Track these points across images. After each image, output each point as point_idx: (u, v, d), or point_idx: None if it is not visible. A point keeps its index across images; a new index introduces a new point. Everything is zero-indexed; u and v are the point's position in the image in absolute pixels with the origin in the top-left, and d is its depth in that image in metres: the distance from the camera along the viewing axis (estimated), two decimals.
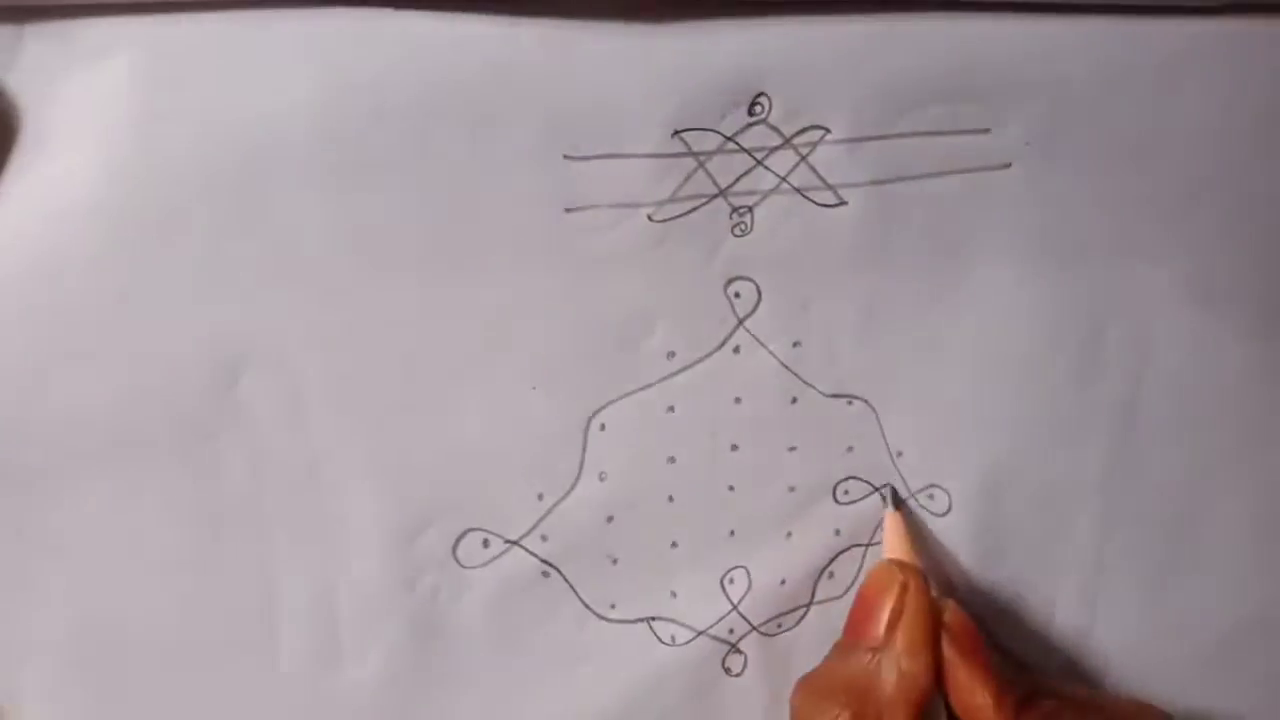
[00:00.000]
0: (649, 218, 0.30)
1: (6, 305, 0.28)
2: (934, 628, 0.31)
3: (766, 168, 0.30)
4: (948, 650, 0.31)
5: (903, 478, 0.34)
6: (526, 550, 0.32)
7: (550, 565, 0.33)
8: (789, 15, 0.29)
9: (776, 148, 0.30)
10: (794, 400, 0.33)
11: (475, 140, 0.29)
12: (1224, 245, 0.33)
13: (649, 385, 0.32)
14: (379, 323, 0.30)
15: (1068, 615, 0.36)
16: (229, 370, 0.30)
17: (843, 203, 0.31)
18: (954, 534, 0.34)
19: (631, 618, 0.33)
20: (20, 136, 0.27)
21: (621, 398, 0.32)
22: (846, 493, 0.34)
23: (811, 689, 0.32)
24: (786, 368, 0.32)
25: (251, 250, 0.29)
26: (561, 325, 0.31)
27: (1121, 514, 0.35)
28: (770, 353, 0.32)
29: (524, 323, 0.31)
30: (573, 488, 0.32)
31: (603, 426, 0.32)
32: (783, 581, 0.34)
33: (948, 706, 0.31)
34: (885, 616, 0.31)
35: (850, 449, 0.33)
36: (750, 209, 0.31)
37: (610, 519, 0.33)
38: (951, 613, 0.31)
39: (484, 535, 0.32)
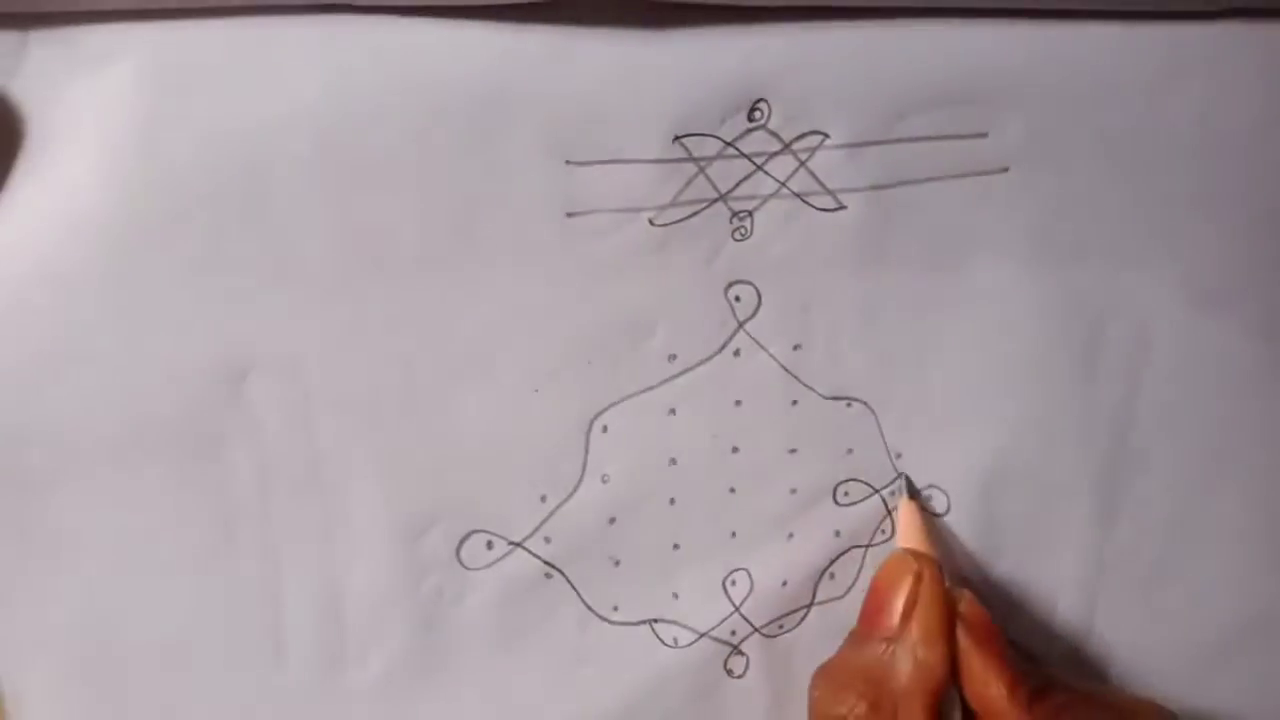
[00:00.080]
0: (650, 222, 0.30)
1: (11, 309, 0.28)
2: (949, 617, 0.31)
3: (766, 173, 0.30)
4: (963, 640, 0.31)
5: (902, 479, 0.34)
6: (529, 552, 0.32)
7: (553, 567, 0.33)
8: (788, 22, 0.29)
9: (776, 153, 0.30)
10: (794, 403, 0.33)
11: (478, 145, 0.29)
12: (1221, 247, 0.33)
13: (650, 388, 0.32)
14: (382, 326, 0.30)
15: (1068, 615, 0.36)
16: (233, 373, 0.30)
17: (842, 207, 0.31)
18: (952, 534, 0.34)
19: (634, 619, 0.34)
20: (25, 142, 0.27)
21: (623, 400, 0.32)
22: (847, 494, 0.34)
23: (829, 680, 0.32)
24: (786, 370, 0.33)
25: (256, 254, 0.29)
26: (563, 328, 0.31)
27: (1121, 514, 0.35)
28: (770, 355, 0.32)
29: (526, 326, 0.31)
30: (575, 490, 0.32)
31: (605, 429, 0.32)
32: (784, 583, 0.34)
33: (962, 698, 0.31)
34: (900, 606, 0.31)
35: (850, 451, 0.34)
36: (750, 213, 0.31)
37: (612, 521, 0.33)
38: (967, 603, 0.31)
39: (487, 537, 0.32)
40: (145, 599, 0.31)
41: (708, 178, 0.30)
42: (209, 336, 0.29)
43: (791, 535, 0.34)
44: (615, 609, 0.33)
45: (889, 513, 0.34)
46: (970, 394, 0.33)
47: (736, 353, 0.32)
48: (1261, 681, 0.37)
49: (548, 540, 0.32)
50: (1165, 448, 0.35)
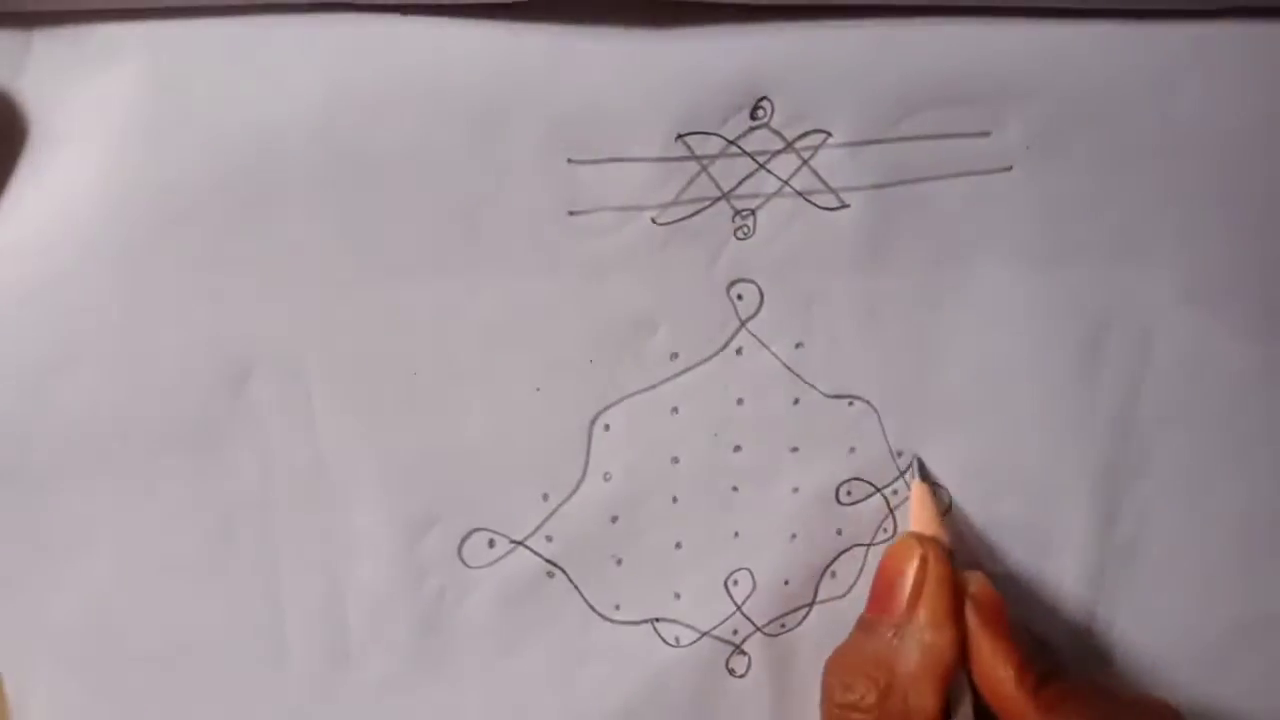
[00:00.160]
0: (652, 220, 0.30)
1: (15, 308, 0.28)
2: (956, 600, 0.31)
3: (769, 171, 0.30)
4: (973, 621, 0.31)
5: (904, 478, 0.34)
6: (531, 551, 0.32)
7: (555, 566, 0.33)
8: (791, 20, 0.29)
9: (779, 151, 0.30)
10: (796, 401, 0.33)
11: (480, 144, 0.29)
12: (1224, 246, 0.33)
13: (653, 386, 0.32)
14: (384, 325, 0.30)
15: (1069, 614, 0.36)
16: (236, 373, 0.30)
17: (844, 205, 0.31)
18: (954, 533, 0.34)
19: (635, 619, 0.34)
20: (29, 140, 0.27)
21: (625, 398, 0.32)
22: (849, 493, 0.34)
23: (840, 665, 0.32)
24: (789, 369, 0.33)
25: (259, 253, 0.29)
26: (566, 327, 0.31)
27: (1122, 513, 0.35)
28: (772, 354, 0.32)
29: (528, 324, 0.31)
30: (577, 488, 0.32)
31: (607, 427, 0.32)
32: (786, 582, 0.34)
33: (970, 681, 0.31)
34: (907, 590, 0.31)
35: (852, 449, 0.34)
36: (753, 212, 0.31)
37: (614, 519, 0.33)
38: (978, 584, 0.31)
39: (489, 535, 0.32)
40: (148, 598, 0.31)
41: (710, 176, 0.30)
42: (212, 336, 0.29)
43: (794, 535, 0.34)
44: (617, 608, 0.33)
45: (891, 511, 0.34)
46: (972, 392, 0.33)
47: (739, 351, 0.32)
48: (1264, 680, 0.37)
49: (549, 539, 0.32)
50: (1166, 447, 0.35)
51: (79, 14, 0.27)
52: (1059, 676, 0.31)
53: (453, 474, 0.31)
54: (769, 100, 0.30)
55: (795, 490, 0.34)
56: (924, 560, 0.31)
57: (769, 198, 0.31)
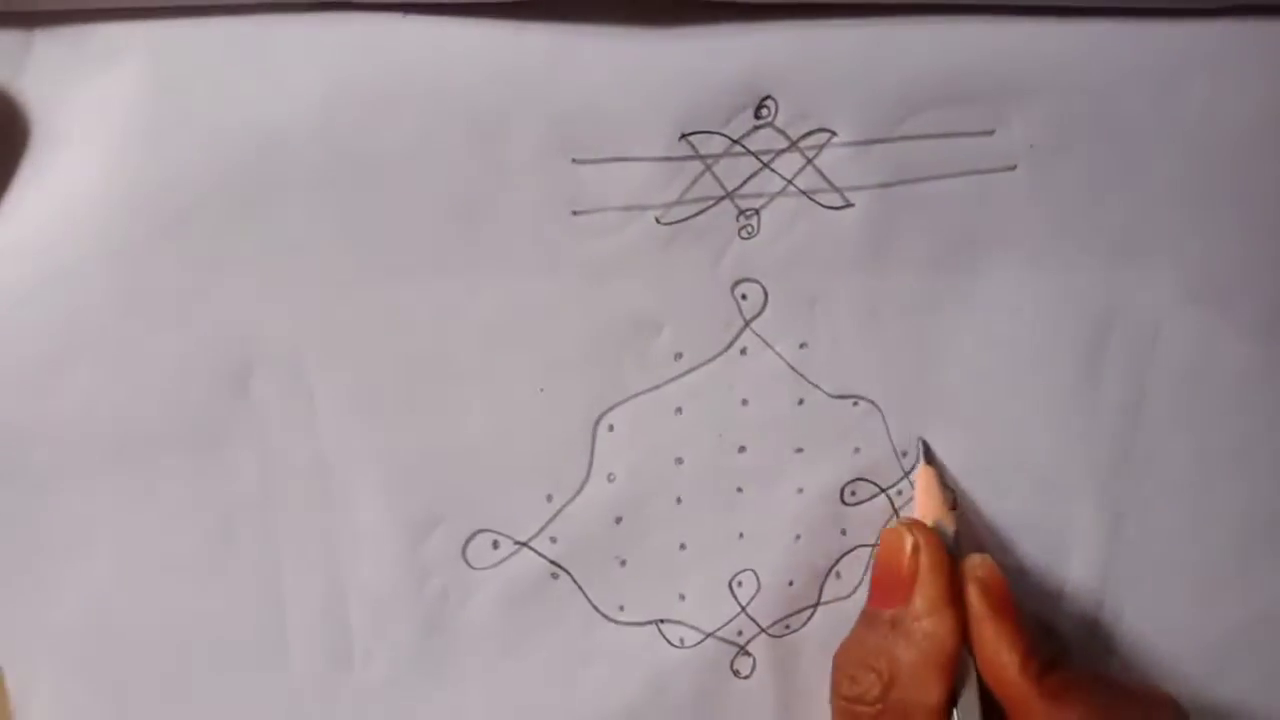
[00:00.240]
0: (656, 220, 0.30)
1: (17, 307, 0.28)
2: (952, 585, 0.31)
3: (773, 170, 0.30)
4: (977, 606, 0.31)
5: (909, 478, 0.34)
6: (535, 552, 0.32)
7: (559, 567, 0.33)
8: (795, 19, 0.29)
9: (783, 150, 0.30)
10: (801, 401, 0.33)
11: (483, 144, 0.29)
12: (1228, 245, 0.33)
13: (657, 386, 0.32)
14: (387, 325, 0.30)
15: (1074, 613, 0.36)
16: (238, 372, 0.30)
17: (849, 205, 0.31)
18: (962, 535, 0.34)
19: (640, 620, 0.33)
20: (30, 140, 0.27)
21: (629, 399, 0.32)
22: (854, 493, 0.34)
23: (844, 659, 0.32)
24: (793, 369, 0.33)
25: (260, 253, 0.29)
26: (569, 327, 0.31)
27: (1127, 512, 0.35)
28: (777, 354, 0.32)
29: (532, 324, 0.31)
30: (581, 489, 0.32)
31: (611, 428, 0.32)
32: (790, 583, 0.34)
33: (975, 667, 0.31)
34: (901, 580, 0.31)
35: (857, 450, 0.34)
36: (757, 211, 0.31)
37: (619, 520, 0.33)
38: (984, 568, 0.31)
39: (493, 536, 0.32)
40: (149, 598, 0.31)
41: (714, 175, 0.30)
42: (213, 336, 0.29)
43: (798, 535, 0.34)
44: (621, 609, 0.33)
45: (895, 512, 0.34)
46: (977, 391, 0.33)
47: (743, 351, 0.32)
48: (1268, 678, 0.37)
49: (553, 540, 0.32)
50: (1170, 445, 0.35)
51: (80, 14, 0.27)
52: (1063, 664, 0.31)
53: (456, 475, 0.31)
54: (773, 99, 0.30)
55: (800, 491, 0.34)
56: (916, 548, 0.31)
57: (773, 197, 0.31)
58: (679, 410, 0.32)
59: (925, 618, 0.30)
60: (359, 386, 0.30)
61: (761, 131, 0.30)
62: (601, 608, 0.33)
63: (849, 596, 0.34)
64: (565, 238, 0.30)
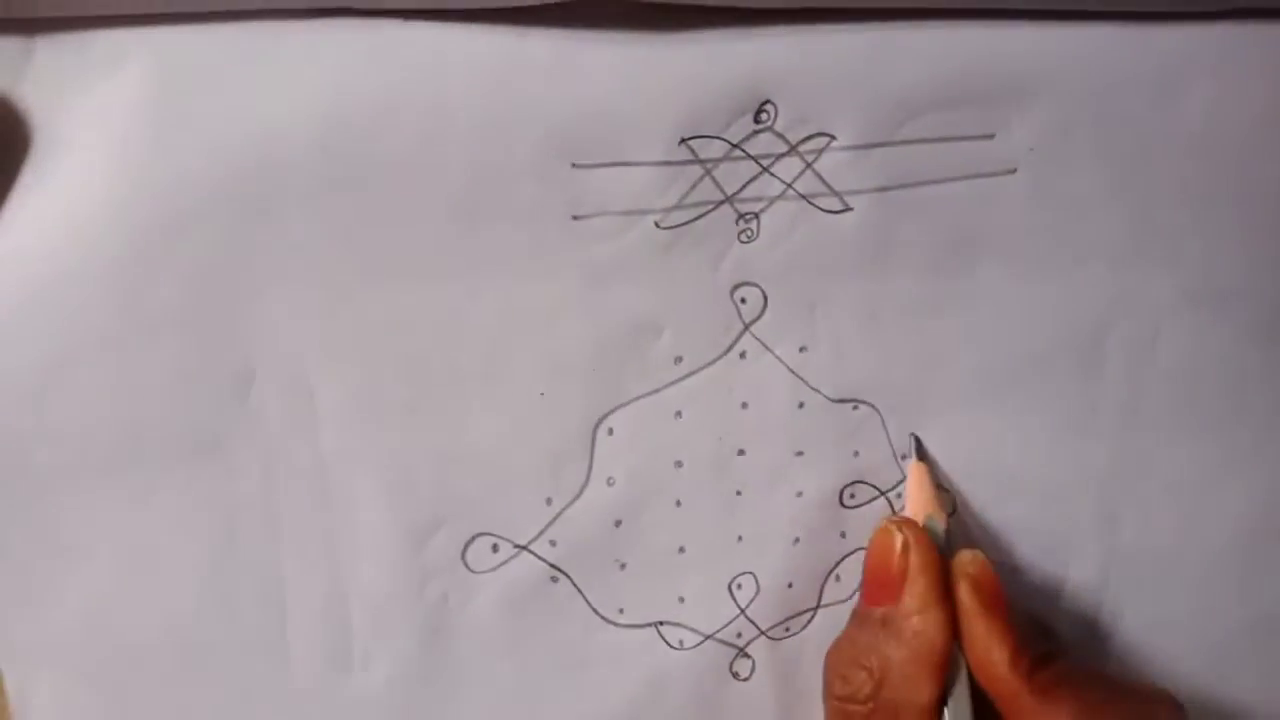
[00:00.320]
0: (656, 224, 0.30)
1: (18, 313, 0.28)
2: (941, 582, 0.31)
3: (773, 174, 0.30)
4: (968, 602, 0.30)
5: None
6: (535, 555, 0.32)
7: (559, 570, 0.33)
8: (795, 24, 0.29)
9: (782, 155, 0.30)
10: (800, 405, 0.33)
11: (483, 149, 0.29)
12: (1228, 248, 0.33)
13: (656, 390, 0.32)
14: (388, 329, 0.30)
15: (1074, 613, 0.36)
16: (239, 377, 0.30)
17: (848, 209, 0.31)
18: (959, 535, 0.34)
19: (639, 622, 0.34)
20: (32, 146, 0.27)
21: (629, 403, 0.32)
22: (853, 496, 0.34)
23: (836, 658, 0.32)
24: (793, 373, 0.33)
25: (262, 258, 0.29)
26: (569, 331, 0.31)
27: (1126, 515, 0.35)
28: (776, 358, 0.32)
29: (532, 328, 0.31)
30: (581, 493, 0.32)
31: (610, 431, 0.32)
32: (790, 585, 0.34)
33: (966, 664, 0.31)
34: (891, 578, 0.31)
35: (856, 453, 0.34)
36: (756, 215, 0.31)
37: (618, 524, 0.33)
38: (975, 565, 0.31)
39: (493, 540, 0.32)
40: (150, 601, 0.31)
41: (714, 180, 0.30)
42: (215, 340, 0.29)
43: (798, 538, 0.34)
44: (621, 611, 0.33)
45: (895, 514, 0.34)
46: (976, 395, 0.33)
47: (743, 355, 0.32)
48: (1268, 680, 0.37)
49: (553, 543, 0.32)
50: (1170, 448, 0.35)
51: (82, 20, 0.27)
52: (1055, 660, 0.31)
53: (456, 478, 0.31)
54: (772, 103, 0.30)
55: (799, 494, 0.34)
56: (906, 546, 0.31)
57: (773, 201, 0.31)
58: (679, 414, 0.32)
59: (915, 616, 0.30)
60: (360, 390, 0.30)
61: (761, 136, 0.30)
62: (601, 610, 0.33)
63: (848, 599, 0.34)
64: (565, 242, 0.30)
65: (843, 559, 0.34)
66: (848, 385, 0.33)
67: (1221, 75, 0.31)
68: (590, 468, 0.32)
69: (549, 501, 0.32)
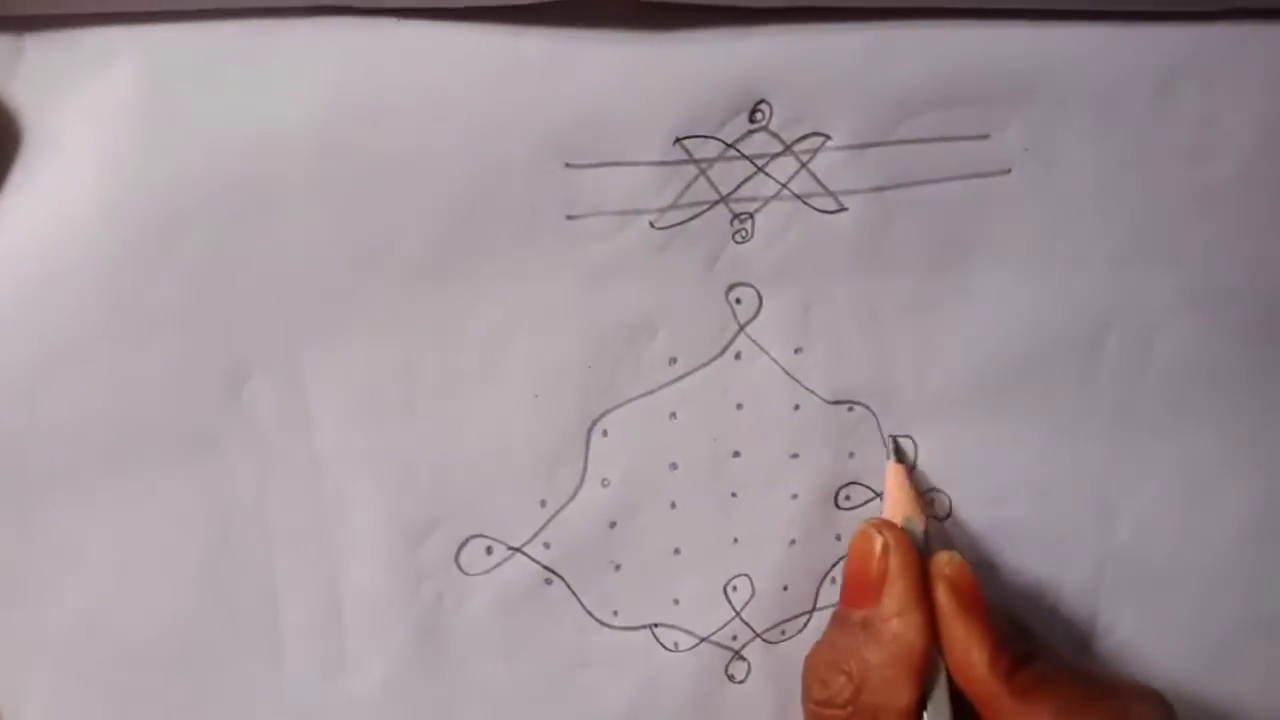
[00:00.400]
0: (651, 224, 0.30)
1: (11, 313, 0.28)
2: (920, 585, 0.30)
3: (767, 174, 0.30)
4: (946, 604, 0.30)
5: None
6: (529, 557, 0.32)
7: (553, 572, 0.33)
8: (789, 23, 0.29)
9: (777, 154, 0.30)
10: (796, 407, 0.33)
11: (478, 148, 0.29)
12: (1222, 248, 0.33)
13: (651, 391, 0.32)
14: (382, 330, 0.30)
15: (1071, 617, 0.36)
16: (233, 378, 0.30)
17: (843, 209, 0.31)
18: (955, 538, 0.34)
19: (634, 624, 0.33)
20: (22, 145, 0.27)
21: (624, 404, 0.32)
22: (848, 498, 0.34)
23: (815, 662, 0.32)
24: (788, 374, 0.33)
25: (255, 258, 0.29)
26: (563, 332, 0.31)
27: (1123, 516, 0.35)
28: (772, 359, 0.32)
29: (526, 329, 0.31)
30: (575, 494, 0.32)
31: (605, 433, 0.32)
32: (785, 588, 0.34)
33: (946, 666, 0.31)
34: (871, 581, 0.31)
35: (852, 455, 0.34)
36: (751, 215, 0.31)
37: (613, 525, 0.33)
38: (952, 566, 0.31)
39: (487, 542, 0.32)
40: (144, 603, 0.31)
41: (709, 180, 0.30)
42: (208, 341, 0.29)
43: (793, 540, 0.34)
44: (615, 614, 0.33)
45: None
46: (972, 396, 0.33)
47: (737, 356, 0.32)
48: (1265, 681, 0.37)
49: (547, 545, 0.32)
50: (1167, 448, 0.35)
51: (72, 18, 0.26)
52: (1035, 660, 0.30)
53: (450, 480, 0.31)
54: (767, 103, 0.30)
55: (794, 496, 0.33)
56: (885, 549, 0.31)
57: (767, 201, 0.31)
58: (673, 415, 0.32)
59: (894, 618, 0.30)
60: (354, 391, 0.30)
61: (756, 135, 0.30)
62: (595, 612, 0.33)
63: None
64: (560, 242, 0.30)
65: (838, 561, 0.34)
66: (843, 386, 0.33)
67: (1217, 76, 0.31)
68: (585, 469, 0.32)
69: (543, 503, 0.32)
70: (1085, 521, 0.35)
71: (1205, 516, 0.35)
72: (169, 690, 0.31)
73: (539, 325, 0.31)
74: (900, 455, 0.34)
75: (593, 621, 0.33)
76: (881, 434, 0.33)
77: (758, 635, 0.34)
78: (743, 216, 0.31)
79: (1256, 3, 0.30)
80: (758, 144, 0.30)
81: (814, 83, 0.29)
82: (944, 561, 0.31)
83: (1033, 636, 0.32)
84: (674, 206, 0.30)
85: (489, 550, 0.32)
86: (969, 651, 0.30)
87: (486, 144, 0.29)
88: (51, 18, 0.26)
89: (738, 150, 0.30)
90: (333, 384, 0.30)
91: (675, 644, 0.34)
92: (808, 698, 0.32)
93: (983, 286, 0.32)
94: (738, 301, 0.32)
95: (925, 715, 0.30)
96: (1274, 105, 0.31)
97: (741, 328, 0.32)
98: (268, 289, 0.29)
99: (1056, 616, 0.36)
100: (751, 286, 0.32)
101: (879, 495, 0.34)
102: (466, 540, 0.32)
